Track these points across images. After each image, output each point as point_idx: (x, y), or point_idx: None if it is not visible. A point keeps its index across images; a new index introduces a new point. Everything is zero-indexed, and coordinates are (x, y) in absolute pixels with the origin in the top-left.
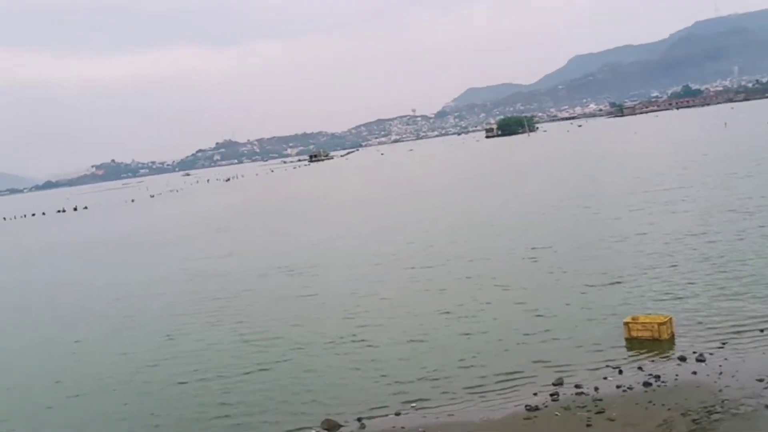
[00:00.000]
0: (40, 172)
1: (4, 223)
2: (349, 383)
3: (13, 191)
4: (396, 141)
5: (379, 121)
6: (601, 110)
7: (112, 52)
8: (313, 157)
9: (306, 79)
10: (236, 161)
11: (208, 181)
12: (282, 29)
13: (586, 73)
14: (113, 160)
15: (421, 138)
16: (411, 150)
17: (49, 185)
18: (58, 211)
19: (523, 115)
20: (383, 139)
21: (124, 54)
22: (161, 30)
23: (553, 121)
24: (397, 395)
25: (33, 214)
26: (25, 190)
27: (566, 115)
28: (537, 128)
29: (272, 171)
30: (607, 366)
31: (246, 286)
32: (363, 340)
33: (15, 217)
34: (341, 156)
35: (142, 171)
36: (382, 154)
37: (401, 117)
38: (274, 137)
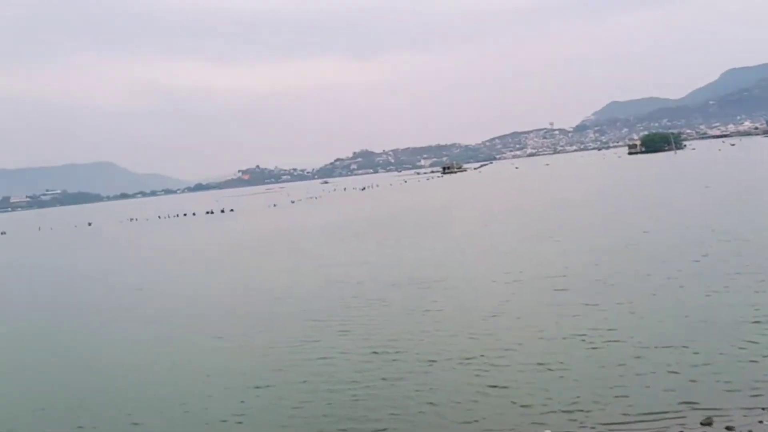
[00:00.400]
0: (192, 175)
1: (161, 221)
2: (477, 407)
3: (168, 192)
4: (531, 155)
5: (515, 134)
6: (756, 128)
7: (261, 63)
8: (446, 169)
9: (442, 91)
10: (372, 171)
11: (345, 189)
12: (421, 41)
13: (741, 87)
14: (258, 166)
15: (558, 152)
16: (547, 164)
17: (199, 187)
18: (207, 213)
19: (670, 131)
20: (518, 152)
21: (272, 65)
22: (307, 42)
23: (703, 138)
24: (533, 426)
25: (185, 214)
26: (178, 191)
27: (717, 132)
28: (684, 146)
29: (405, 181)
30: (765, 409)
31: (377, 295)
32: (490, 362)
33: (168, 216)
34: (474, 168)
35: (284, 177)
36: (516, 167)
37: (538, 130)
38: (409, 148)
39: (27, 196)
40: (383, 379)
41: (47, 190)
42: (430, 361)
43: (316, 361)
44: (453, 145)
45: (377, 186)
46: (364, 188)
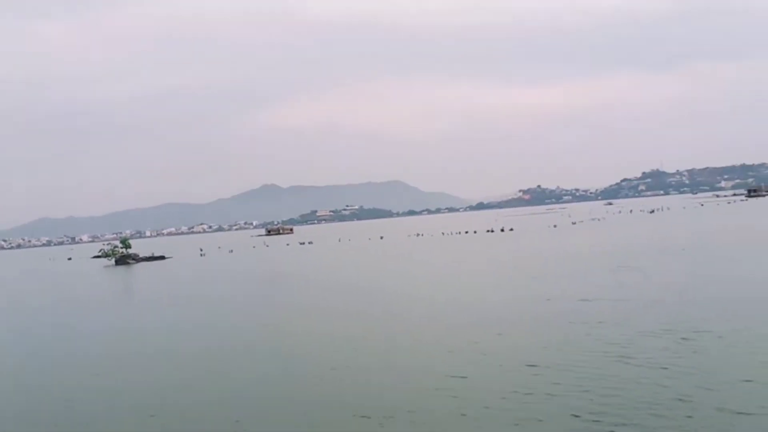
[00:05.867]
0: (474, 194)
1: (444, 237)
2: None
3: (451, 209)
4: None
5: None
6: None
7: (548, 82)
8: (752, 192)
9: (750, 104)
10: (662, 192)
11: (630, 211)
12: (730, 49)
13: None
14: (539, 186)
15: None
16: None
17: (480, 206)
18: (487, 231)
19: None
20: None
21: (555, 82)
22: (600, 56)
23: None
24: None
25: (466, 232)
26: (460, 210)
27: None
28: None
29: (702, 205)
30: None
31: (642, 328)
32: None
33: (451, 233)
34: None
35: (565, 198)
36: None
37: None
38: (707, 168)
39: (330, 211)
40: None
41: (347, 206)
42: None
43: (580, 388)
44: (762, 164)
45: (668, 209)
46: (652, 211)
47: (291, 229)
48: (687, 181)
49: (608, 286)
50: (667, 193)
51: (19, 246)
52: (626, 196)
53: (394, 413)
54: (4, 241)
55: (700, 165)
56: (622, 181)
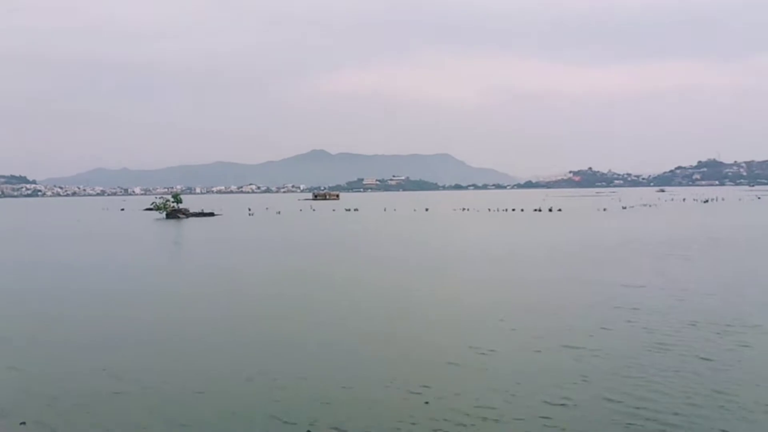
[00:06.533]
0: (523, 172)
1: (490, 213)
2: None
3: (498, 186)
4: None
5: None
6: None
7: (609, 65)
8: None
9: None
10: (717, 182)
11: (683, 200)
12: None
13: None
14: (590, 168)
15: None
16: None
17: (528, 185)
18: (535, 210)
19: None
20: None
21: (626, 65)
22: (668, 41)
23: None
24: None
25: (513, 209)
26: (507, 187)
27: None
28: None
29: (759, 198)
30: None
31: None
32: None
33: (498, 210)
34: None
35: (617, 182)
36: None
37: None
38: (766, 161)
39: (377, 180)
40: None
41: (393, 176)
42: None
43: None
44: None
45: (723, 199)
46: (707, 201)
47: (337, 195)
48: (744, 173)
49: (654, 273)
50: (722, 184)
51: (74, 194)
52: (680, 185)
53: (428, 381)
54: (61, 188)
55: (759, 157)
56: (677, 168)
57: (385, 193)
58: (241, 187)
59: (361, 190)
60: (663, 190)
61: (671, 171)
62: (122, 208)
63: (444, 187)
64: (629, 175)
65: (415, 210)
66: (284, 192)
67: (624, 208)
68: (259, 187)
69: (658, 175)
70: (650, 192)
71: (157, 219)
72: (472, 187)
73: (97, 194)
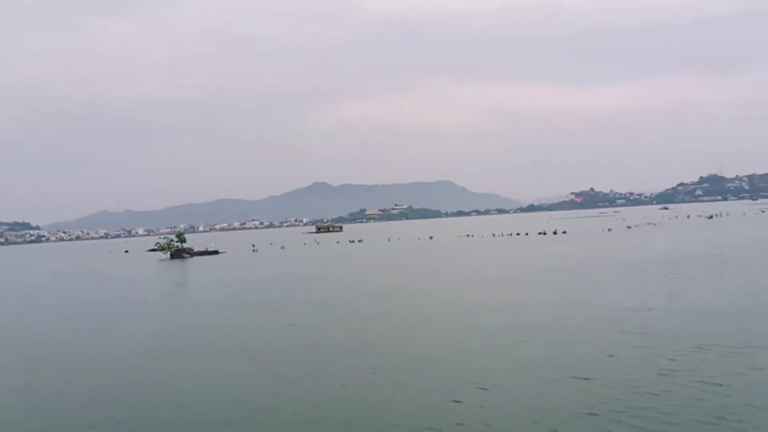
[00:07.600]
0: (525, 196)
1: (495, 239)
2: None
3: (500, 211)
4: None
5: None
6: None
7: (602, 83)
8: None
9: None
10: (720, 198)
11: (688, 216)
12: None
13: None
14: (592, 189)
15: None
16: None
17: (531, 208)
18: (539, 233)
19: None
20: None
21: (608, 84)
22: (666, 57)
23: None
24: None
25: (517, 234)
26: (510, 211)
27: None
28: None
29: (762, 211)
30: None
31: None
32: None
33: (502, 235)
34: None
35: (619, 201)
36: None
37: None
38: None
39: (379, 210)
40: None
41: (396, 205)
42: None
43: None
44: None
45: (727, 215)
46: (711, 216)
47: (340, 227)
48: (746, 187)
49: (661, 294)
50: (725, 199)
51: (78, 237)
52: (682, 201)
53: (426, 413)
54: (65, 233)
55: (760, 171)
56: (679, 185)
57: (388, 222)
58: (244, 223)
59: (364, 220)
60: (666, 208)
61: (673, 188)
62: (126, 250)
63: (446, 214)
64: (631, 194)
65: (419, 238)
66: (287, 226)
67: (629, 227)
68: (261, 223)
69: (660, 193)
70: (653, 210)
71: (162, 260)
72: (474, 213)
73: (101, 237)
